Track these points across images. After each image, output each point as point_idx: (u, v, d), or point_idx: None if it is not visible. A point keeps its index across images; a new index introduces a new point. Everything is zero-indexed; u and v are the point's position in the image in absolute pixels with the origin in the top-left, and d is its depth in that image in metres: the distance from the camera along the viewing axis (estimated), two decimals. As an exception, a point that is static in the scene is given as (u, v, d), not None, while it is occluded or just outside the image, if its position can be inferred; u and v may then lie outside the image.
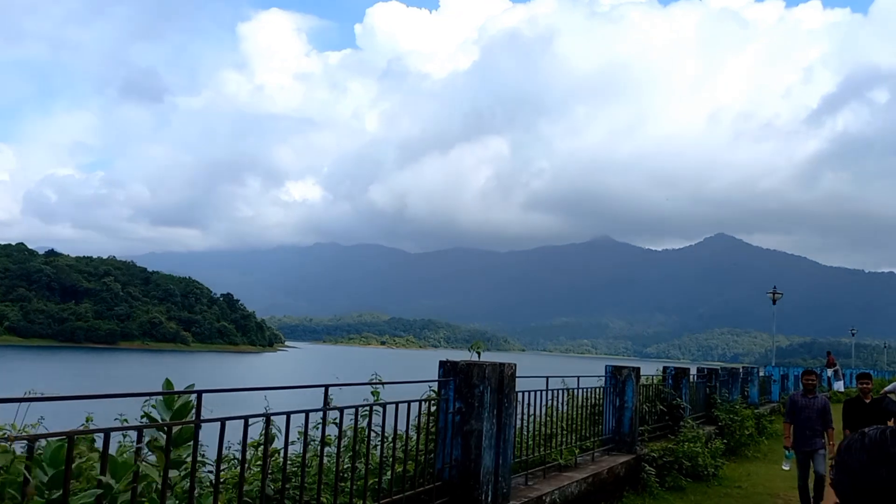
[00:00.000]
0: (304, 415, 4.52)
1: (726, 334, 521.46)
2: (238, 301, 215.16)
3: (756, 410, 18.52)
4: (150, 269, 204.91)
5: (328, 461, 5.31)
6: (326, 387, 4.73)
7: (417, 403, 5.85)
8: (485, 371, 5.85)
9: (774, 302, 37.41)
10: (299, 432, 4.80)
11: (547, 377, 7.88)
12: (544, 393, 7.88)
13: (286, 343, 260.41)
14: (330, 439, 5.09)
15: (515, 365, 6.39)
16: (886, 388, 17.99)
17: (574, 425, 9.05)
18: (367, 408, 5.52)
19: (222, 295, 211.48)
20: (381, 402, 5.58)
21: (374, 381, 5.94)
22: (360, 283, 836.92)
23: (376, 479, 5.35)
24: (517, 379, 7.95)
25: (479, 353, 6.59)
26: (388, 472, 5.46)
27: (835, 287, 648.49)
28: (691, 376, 13.43)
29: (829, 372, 37.53)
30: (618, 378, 10.17)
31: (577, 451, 8.59)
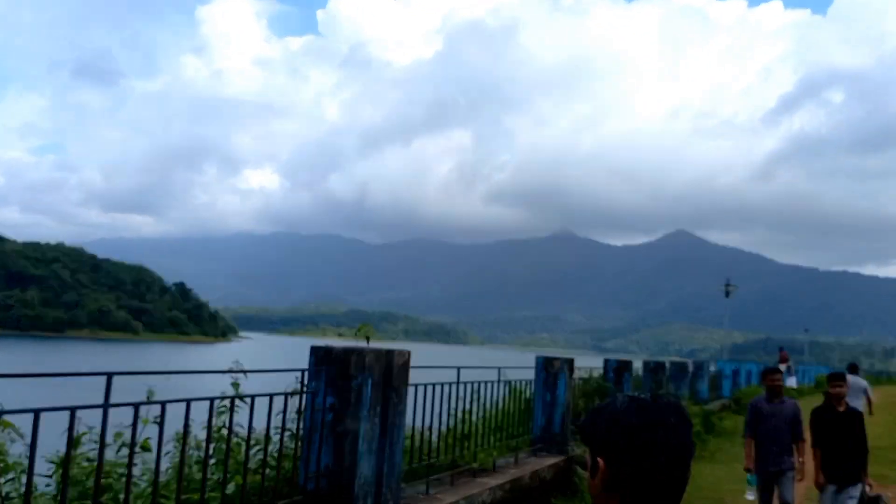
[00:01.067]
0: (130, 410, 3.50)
1: (683, 330, 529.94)
2: (191, 290, 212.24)
3: (705, 407, 17.81)
4: (100, 256, 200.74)
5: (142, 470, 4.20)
6: (109, 375, 3.61)
7: (282, 398, 4.76)
8: (364, 359, 4.75)
9: (728, 295, 37.17)
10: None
11: (458, 368, 6.82)
12: (456, 386, 6.83)
13: (240, 334, 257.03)
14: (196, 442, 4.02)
15: (409, 353, 5.32)
16: None
17: (497, 424, 8.05)
18: (220, 402, 4.41)
19: (175, 284, 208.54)
20: (228, 395, 4.47)
21: (233, 369, 4.83)
22: (319, 274, 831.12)
23: (218, 492, 4.23)
24: (448, 371, 6.98)
25: (367, 339, 5.53)
26: (234, 483, 4.35)
27: (789, 285, 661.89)
28: (635, 370, 12.55)
29: (783, 368, 37.26)
30: (549, 371, 9.19)
31: (495, 454, 7.55)
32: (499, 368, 7.71)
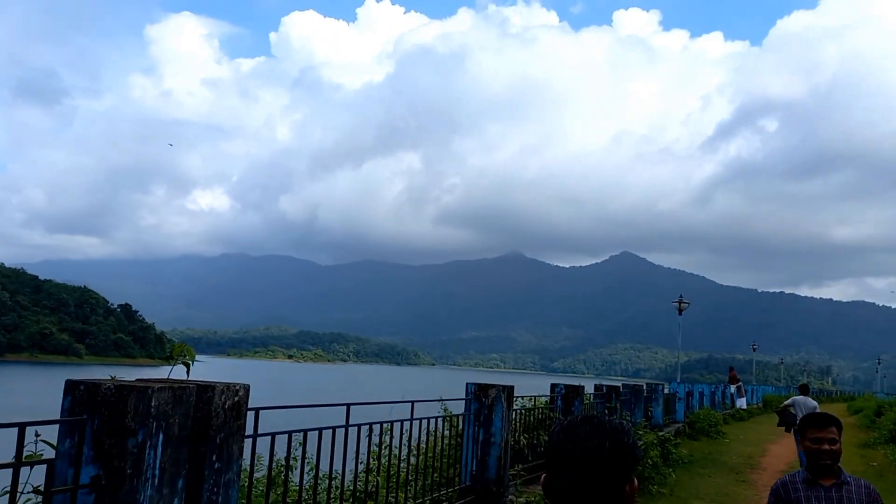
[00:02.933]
0: None
1: (629, 349, 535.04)
2: (137, 312, 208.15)
3: (661, 433, 16.19)
4: (42, 277, 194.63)
5: None
6: None
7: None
8: (151, 401, 2.87)
9: (681, 312, 35.87)
10: None
11: (346, 406, 4.93)
12: (346, 431, 4.98)
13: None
14: None
15: (246, 387, 3.46)
16: (786, 402, 17.90)
17: (409, 474, 6.21)
18: None
19: (120, 305, 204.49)
20: None
21: None
22: (269, 295, 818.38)
23: None
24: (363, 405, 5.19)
25: (187, 368, 3.65)
26: None
27: (730, 305, 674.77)
28: (587, 395, 10.80)
29: (733, 388, 36.20)
30: (483, 401, 7.36)
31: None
32: (412, 402, 5.85)
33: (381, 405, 6.11)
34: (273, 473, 6.68)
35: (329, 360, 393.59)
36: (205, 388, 3.21)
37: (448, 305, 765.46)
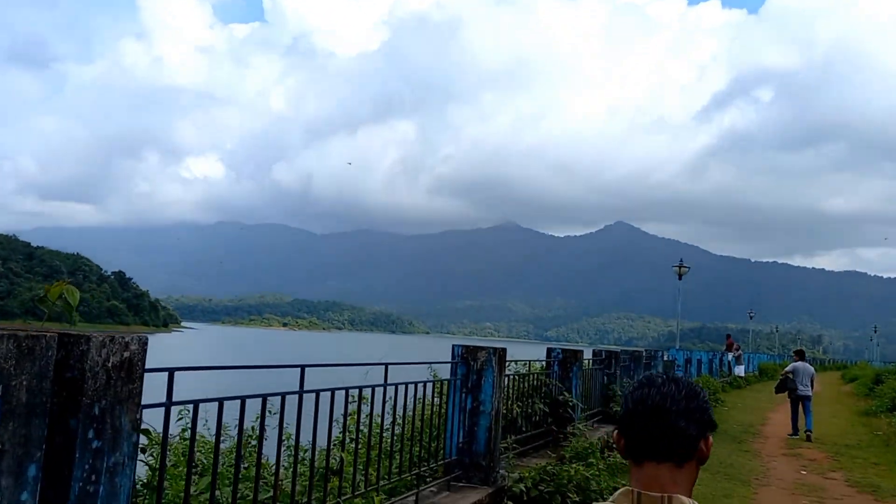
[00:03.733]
0: None
1: (622, 318, 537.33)
2: (131, 279, 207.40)
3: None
4: (35, 245, 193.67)
5: None
6: None
7: None
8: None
9: (680, 277, 35.13)
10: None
11: (300, 368, 4.03)
12: (317, 396, 4.14)
13: (182, 324, 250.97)
14: None
15: (143, 339, 2.56)
16: (786, 370, 17.77)
17: (389, 447, 5.37)
18: None
19: (113, 273, 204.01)
20: None
21: None
22: (263, 264, 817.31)
23: None
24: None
25: (71, 315, 2.79)
26: None
27: (724, 275, 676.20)
28: (585, 361, 9.99)
29: (730, 356, 35.59)
30: (471, 365, 6.52)
31: (377, 499, 4.82)
32: (385, 364, 4.97)
33: (353, 370, 5.26)
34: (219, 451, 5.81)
35: (324, 329, 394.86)
36: (75, 340, 2.38)
37: (443, 275, 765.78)
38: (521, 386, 8.19)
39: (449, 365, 6.57)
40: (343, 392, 4.61)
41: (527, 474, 6.79)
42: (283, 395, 3.92)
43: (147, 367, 3.06)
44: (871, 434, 18.22)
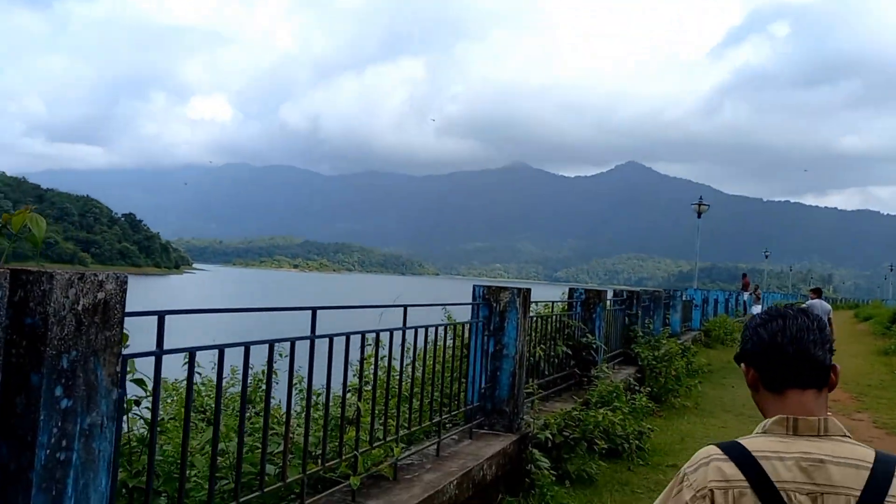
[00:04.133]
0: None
1: (632, 259, 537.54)
2: (141, 221, 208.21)
3: (679, 342, 15.10)
4: (45, 187, 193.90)
5: None
6: None
7: None
8: None
9: (699, 215, 34.47)
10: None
11: (311, 310, 3.60)
12: (330, 342, 3.75)
13: (194, 266, 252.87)
14: None
15: (122, 278, 2.22)
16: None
17: (408, 391, 5.00)
18: None
19: (124, 215, 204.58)
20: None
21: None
22: (273, 206, 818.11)
23: None
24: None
25: (35, 244, 2.38)
26: None
27: (736, 215, 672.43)
28: (607, 302, 9.58)
29: (746, 296, 35.22)
30: (493, 307, 6.10)
31: (396, 451, 4.45)
32: (404, 306, 4.54)
33: (364, 313, 4.85)
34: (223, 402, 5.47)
35: (334, 270, 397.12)
36: (35, 279, 1.97)
37: (452, 216, 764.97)
38: (544, 328, 7.78)
39: (468, 307, 6.15)
40: (358, 337, 4.19)
41: (551, 420, 6.43)
42: (293, 341, 3.50)
43: (152, 309, 2.64)
44: (892, 374, 17.92)
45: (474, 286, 6.26)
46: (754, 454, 1.64)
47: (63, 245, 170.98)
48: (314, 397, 4.68)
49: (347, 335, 4.00)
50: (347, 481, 3.94)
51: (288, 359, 3.55)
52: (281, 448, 3.59)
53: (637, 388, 9.37)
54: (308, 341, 3.62)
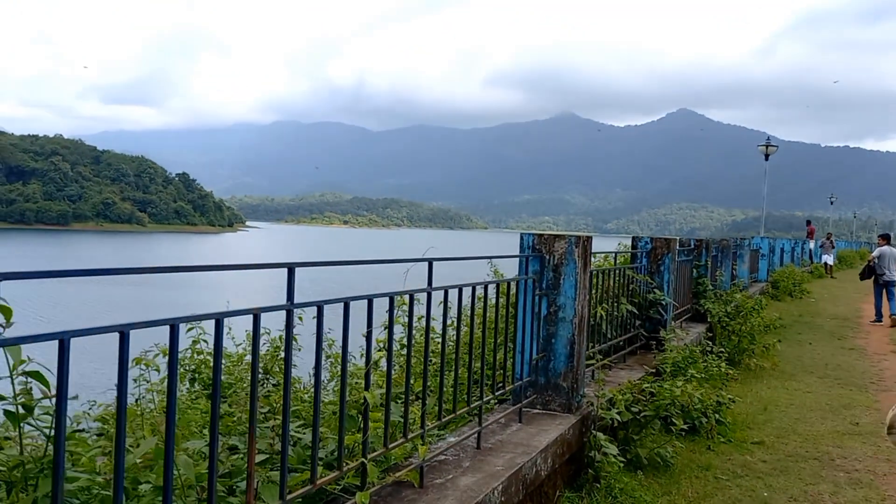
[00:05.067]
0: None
1: (684, 209, 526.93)
2: (194, 180, 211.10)
3: (748, 294, 13.75)
4: (101, 149, 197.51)
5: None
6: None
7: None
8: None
9: (767, 157, 32.55)
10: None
11: (285, 267, 2.56)
12: (345, 308, 2.74)
13: (247, 223, 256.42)
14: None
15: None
16: (873, 255, 17.00)
17: (435, 370, 3.90)
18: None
19: (178, 174, 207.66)
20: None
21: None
22: (322, 162, 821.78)
23: None
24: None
25: None
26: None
27: (792, 161, 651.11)
28: (675, 252, 8.33)
29: (811, 244, 33.26)
30: (546, 260, 4.96)
31: (423, 448, 3.37)
32: (429, 260, 3.43)
33: (384, 268, 3.78)
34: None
35: (383, 226, 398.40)
36: None
37: (500, 169, 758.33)
38: (606, 282, 6.60)
39: (517, 259, 5.01)
40: (380, 299, 3.13)
41: (617, 395, 5.30)
42: (370, 298, 2.45)
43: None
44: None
45: (522, 234, 5.11)
46: None
47: (121, 206, 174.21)
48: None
49: (370, 298, 2.94)
50: (353, 499, 2.90)
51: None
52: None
53: (711, 349, 8.17)
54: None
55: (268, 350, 5.84)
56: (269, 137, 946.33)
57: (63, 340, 1.75)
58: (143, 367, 4.36)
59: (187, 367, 5.88)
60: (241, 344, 6.51)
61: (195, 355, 6.08)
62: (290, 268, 2.37)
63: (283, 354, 6.52)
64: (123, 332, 1.92)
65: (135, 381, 4.07)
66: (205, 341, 6.12)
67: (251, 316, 2.33)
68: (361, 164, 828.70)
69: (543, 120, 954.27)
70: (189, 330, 6.07)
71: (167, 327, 2.09)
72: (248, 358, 6.25)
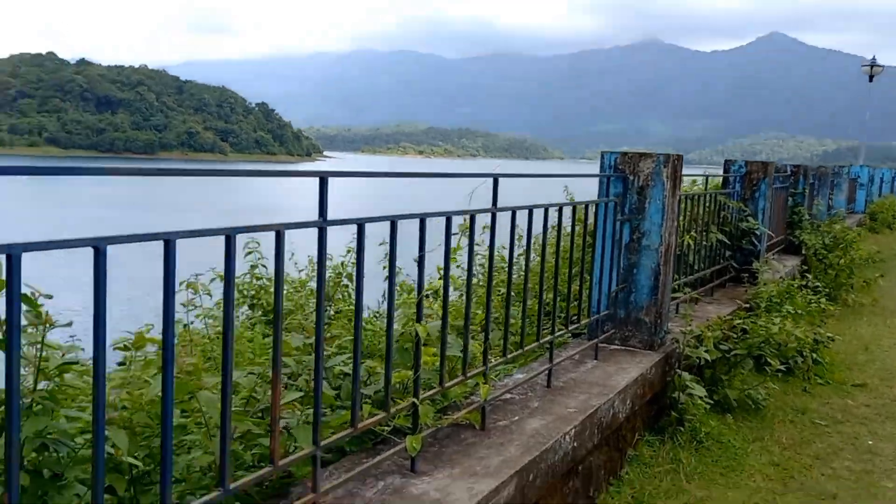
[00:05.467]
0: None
1: (772, 139, 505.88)
2: (274, 111, 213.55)
3: (846, 224, 12.77)
4: (183, 79, 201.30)
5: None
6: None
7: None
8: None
9: (871, 78, 30.34)
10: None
11: (316, 178, 2.17)
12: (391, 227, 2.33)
13: (324, 153, 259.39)
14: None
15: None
16: None
17: (505, 298, 3.47)
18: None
19: (257, 104, 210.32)
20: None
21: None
22: (397, 92, 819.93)
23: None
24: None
25: None
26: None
27: (891, 89, 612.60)
28: (772, 178, 7.59)
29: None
30: (630, 182, 4.43)
31: (485, 388, 3.00)
32: (495, 176, 2.97)
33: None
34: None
35: (459, 156, 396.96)
36: None
37: (578, 98, 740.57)
38: (694, 209, 6.01)
39: (597, 179, 4.49)
40: (437, 219, 2.71)
41: (705, 331, 4.79)
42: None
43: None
44: None
45: (602, 153, 4.59)
46: None
47: (204, 135, 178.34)
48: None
49: (422, 218, 2.51)
50: (403, 442, 2.54)
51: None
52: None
53: (807, 284, 7.50)
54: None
55: (330, 276, 5.53)
56: (346, 66, 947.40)
57: (98, 248, 1.51)
58: (192, 292, 4.06)
59: (245, 293, 5.62)
60: (303, 269, 6.21)
61: (254, 280, 5.82)
62: (323, 177, 2.19)
63: (345, 282, 6.25)
64: (169, 241, 1.69)
65: (183, 305, 3.77)
66: (264, 266, 5.83)
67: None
68: (437, 94, 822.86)
69: (625, 46, 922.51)
70: (248, 254, 5.80)
71: (222, 238, 1.85)
72: (312, 284, 5.93)
